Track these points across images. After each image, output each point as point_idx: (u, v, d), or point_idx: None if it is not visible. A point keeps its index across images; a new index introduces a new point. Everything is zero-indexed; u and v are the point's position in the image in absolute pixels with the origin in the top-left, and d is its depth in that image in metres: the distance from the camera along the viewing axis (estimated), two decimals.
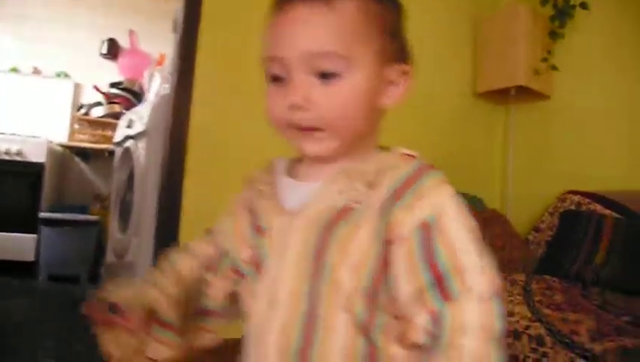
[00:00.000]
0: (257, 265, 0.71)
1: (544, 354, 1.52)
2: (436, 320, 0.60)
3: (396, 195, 0.64)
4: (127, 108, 3.70)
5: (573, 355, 1.42)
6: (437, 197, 0.64)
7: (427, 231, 0.62)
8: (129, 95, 4.10)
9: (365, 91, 0.68)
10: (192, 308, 0.80)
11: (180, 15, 2.29)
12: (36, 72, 4.22)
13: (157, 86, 2.88)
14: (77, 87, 4.33)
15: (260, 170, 0.80)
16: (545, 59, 2.65)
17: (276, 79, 0.69)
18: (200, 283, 0.80)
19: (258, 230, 0.72)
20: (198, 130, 2.14)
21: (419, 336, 0.61)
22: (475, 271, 0.61)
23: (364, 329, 0.65)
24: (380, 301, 0.65)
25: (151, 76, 3.22)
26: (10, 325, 2.39)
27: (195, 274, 0.80)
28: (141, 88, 4.02)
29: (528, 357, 1.57)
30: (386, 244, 0.64)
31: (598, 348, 1.38)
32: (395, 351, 0.64)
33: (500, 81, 2.74)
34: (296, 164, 0.77)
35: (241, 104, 2.12)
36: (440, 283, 0.61)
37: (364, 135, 0.71)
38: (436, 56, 2.75)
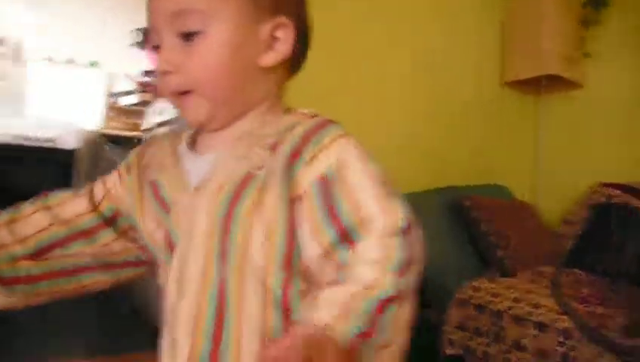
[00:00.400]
0: (170, 245, 0.67)
1: (572, 348, 1.51)
2: (340, 270, 0.57)
3: (296, 153, 0.62)
4: (158, 97, 3.74)
5: (601, 349, 1.41)
6: (336, 149, 0.61)
7: (326, 185, 0.60)
8: None
9: (230, 47, 0.65)
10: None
11: None
12: (70, 61, 4.26)
13: None
14: (109, 76, 4.38)
15: (162, 136, 0.77)
16: (578, 47, 2.58)
17: (156, 47, 0.68)
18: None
19: (163, 205, 0.69)
20: None
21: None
22: (379, 216, 0.58)
23: (282, 303, 0.62)
24: (295, 268, 0.62)
25: None
26: None
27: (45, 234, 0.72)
28: None
29: (556, 350, 1.56)
30: (291, 205, 0.62)
31: (627, 342, 1.37)
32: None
33: (530, 69, 2.66)
34: (197, 135, 0.73)
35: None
36: (345, 238, 0.58)
37: (246, 96, 0.68)
38: (463, 44, 2.70)
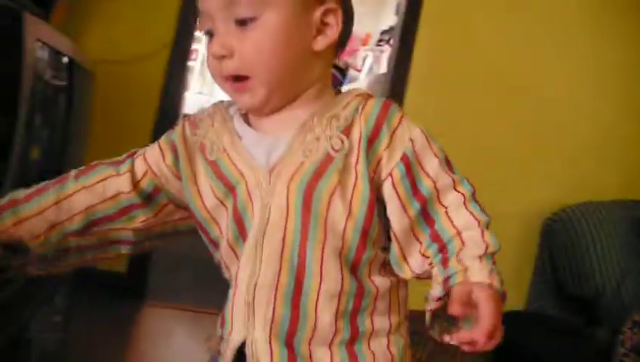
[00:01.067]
0: (239, 221, 0.70)
1: None
2: (434, 239, 0.67)
3: (373, 136, 0.68)
4: (333, 85, 2.78)
5: None
6: (405, 130, 0.69)
7: (408, 164, 0.68)
8: (335, 71, 2.76)
9: (284, 33, 0.67)
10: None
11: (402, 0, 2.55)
12: None
13: (369, 65, 3.14)
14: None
15: (207, 113, 0.77)
16: None
17: (209, 34, 0.71)
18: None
19: (226, 184, 0.71)
20: (410, 112, 3.04)
21: (419, 264, 0.69)
22: (451, 186, 0.69)
23: (353, 267, 0.69)
24: (370, 238, 0.69)
25: (364, 56, 3.66)
26: None
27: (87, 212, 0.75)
28: (346, 65, 3.30)
29: None
30: (373, 184, 0.68)
31: None
32: (379, 282, 0.70)
33: None
34: (249, 114, 0.75)
35: (454, 92, 2.54)
36: (425, 207, 0.68)
37: (301, 80, 0.71)
38: None
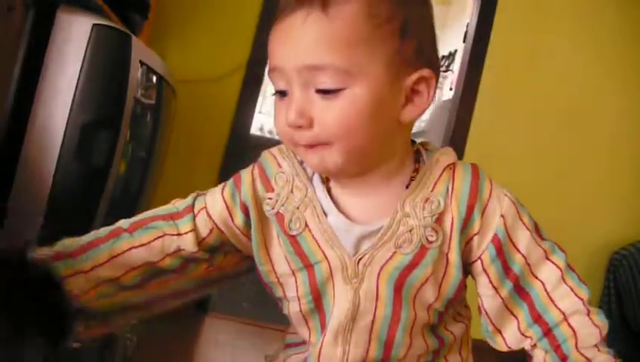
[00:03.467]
0: (318, 301, 0.69)
1: None
2: (536, 320, 0.66)
3: (465, 222, 0.66)
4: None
5: None
6: (495, 206, 0.66)
7: (499, 246, 0.65)
8: None
9: (373, 105, 0.61)
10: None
11: (471, 27, 2.60)
12: None
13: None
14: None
15: (277, 167, 0.72)
16: None
17: (281, 92, 0.65)
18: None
19: (302, 258, 0.68)
20: (476, 139, 2.51)
21: (516, 341, 0.68)
22: (544, 258, 0.66)
23: (434, 327, 0.70)
24: (452, 307, 0.71)
25: None
26: None
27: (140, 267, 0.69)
28: None
29: None
30: (464, 267, 0.67)
31: None
32: (456, 329, 0.72)
33: None
34: (336, 187, 0.70)
35: (521, 120, 2.55)
36: (518, 283, 0.66)
37: (382, 151, 0.67)
38: None
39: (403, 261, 0.66)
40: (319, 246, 0.68)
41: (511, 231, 0.67)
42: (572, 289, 0.66)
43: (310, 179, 0.71)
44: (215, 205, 0.73)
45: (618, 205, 2.59)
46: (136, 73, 1.12)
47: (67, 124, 0.99)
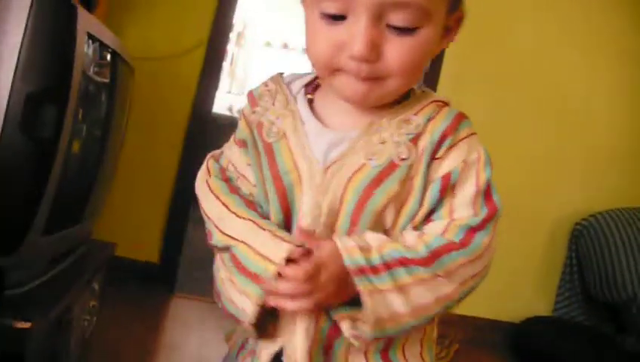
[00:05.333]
0: (287, 213, 0.67)
1: None
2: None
3: (435, 149, 0.65)
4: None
5: None
6: (464, 148, 0.66)
7: (446, 184, 0.65)
8: None
9: (432, 45, 0.64)
10: None
11: None
12: (285, 46, 5.23)
13: None
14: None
15: (264, 88, 0.74)
16: None
17: (332, 16, 0.62)
18: None
19: (273, 170, 0.67)
20: None
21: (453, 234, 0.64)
22: (465, 218, 0.65)
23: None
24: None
25: None
26: None
27: None
28: None
29: None
30: (425, 186, 0.65)
31: None
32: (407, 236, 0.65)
33: None
34: (319, 100, 0.72)
35: (485, 94, 2.53)
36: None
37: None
38: None
39: (371, 173, 0.64)
40: (292, 156, 0.68)
41: (461, 179, 0.66)
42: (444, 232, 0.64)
43: (294, 95, 0.73)
44: (239, 160, 0.75)
45: (580, 178, 2.64)
46: (82, 45, 1.09)
47: (10, 94, 0.96)
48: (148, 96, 2.17)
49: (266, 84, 0.75)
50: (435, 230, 0.65)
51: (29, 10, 0.96)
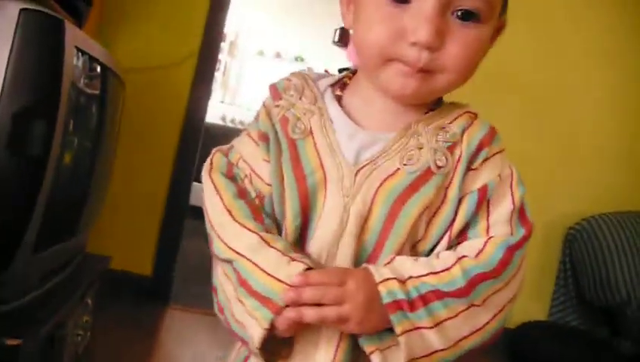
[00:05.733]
0: (305, 217, 0.63)
1: None
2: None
3: (471, 160, 0.63)
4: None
5: None
6: (499, 164, 0.65)
7: (483, 196, 0.62)
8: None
9: (488, 44, 0.64)
10: None
11: None
12: (278, 55, 5.31)
13: None
14: (310, 70, 3.54)
15: (290, 84, 0.69)
16: None
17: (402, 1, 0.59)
18: None
19: (297, 169, 0.63)
20: None
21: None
22: (502, 236, 0.62)
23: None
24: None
25: None
26: None
27: None
28: None
29: None
30: (460, 198, 0.63)
31: None
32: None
33: None
34: (349, 98, 0.69)
35: (475, 99, 2.86)
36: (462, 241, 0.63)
37: None
38: None
39: (405, 180, 0.61)
40: (318, 155, 0.64)
41: (497, 193, 0.64)
42: (459, 264, 0.61)
43: (321, 92, 0.69)
44: (255, 163, 0.69)
45: (573, 182, 2.65)
46: (71, 59, 1.09)
47: None
48: (140, 108, 2.17)
49: (289, 79, 0.70)
50: (472, 249, 0.62)
51: (16, 27, 0.96)
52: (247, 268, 0.61)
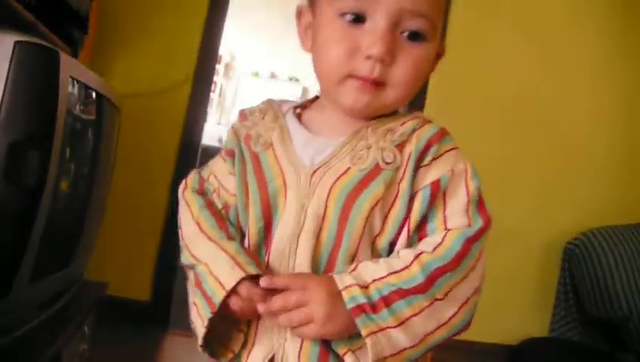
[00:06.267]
0: (268, 220, 0.68)
1: None
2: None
3: (420, 155, 0.66)
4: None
5: None
6: (450, 160, 0.67)
7: (436, 191, 0.65)
8: None
9: (431, 63, 0.71)
10: None
11: None
12: (273, 76, 5.29)
13: None
14: (304, 90, 5.04)
15: (260, 108, 0.77)
16: None
17: (351, 19, 0.66)
18: None
19: (259, 177, 0.69)
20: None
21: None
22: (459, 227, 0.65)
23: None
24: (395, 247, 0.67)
25: None
26: None
27: None
28: None
29: None
30: (412, 194, 0.65)
31: None
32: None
33: None
34: (308, 114, 0.76)
35: (473, 116, 2.53)
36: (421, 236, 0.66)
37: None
38: None
39: (355, 178, 0.66)
40: (278, 164, 0.69)
41: (452, 186, 0.66)
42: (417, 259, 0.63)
43: (283, 112, 0.76)
44: (225, 183, 0.76)
45: (570, 197, 2.65)
46: (66, 89, 1.09)
47: None
48: (136, 133, 2.18)
49: (257, 105, 0.79)
50: (430, 244, 0.64)
51: (11, 60, 0.96)
52: (203, 272, 0.67)
